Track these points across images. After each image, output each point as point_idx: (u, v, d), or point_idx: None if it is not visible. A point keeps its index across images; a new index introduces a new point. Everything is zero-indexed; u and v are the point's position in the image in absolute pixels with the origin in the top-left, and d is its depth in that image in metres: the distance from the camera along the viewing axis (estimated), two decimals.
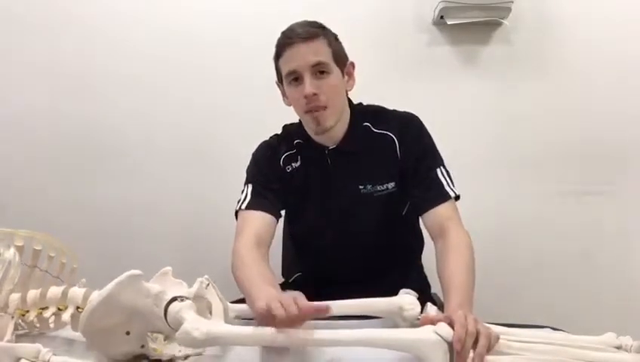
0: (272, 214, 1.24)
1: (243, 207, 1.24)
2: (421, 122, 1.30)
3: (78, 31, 1.98)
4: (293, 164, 1.31)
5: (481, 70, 1.94)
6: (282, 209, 1.32)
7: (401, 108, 1.34)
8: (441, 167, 1.24)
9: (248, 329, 0.80)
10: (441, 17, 1.87)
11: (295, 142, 1.32)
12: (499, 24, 1.91)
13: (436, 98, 1.88)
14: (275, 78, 1.31)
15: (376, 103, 1.35)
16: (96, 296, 0.84)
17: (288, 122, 1.37)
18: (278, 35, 1.24)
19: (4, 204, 1.93)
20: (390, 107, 1.34)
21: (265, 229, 1.21)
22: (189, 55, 1.96)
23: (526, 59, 1.93)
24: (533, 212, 1.94)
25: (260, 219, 1.22)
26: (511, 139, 1.95)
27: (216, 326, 0.79)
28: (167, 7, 1.97)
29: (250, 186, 1.28)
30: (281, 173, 1.30)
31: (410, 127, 1.28)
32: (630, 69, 1.91)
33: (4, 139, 2.00)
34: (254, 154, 1.34)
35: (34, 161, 2.01)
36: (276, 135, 1.36)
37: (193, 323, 0.77)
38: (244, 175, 1.33)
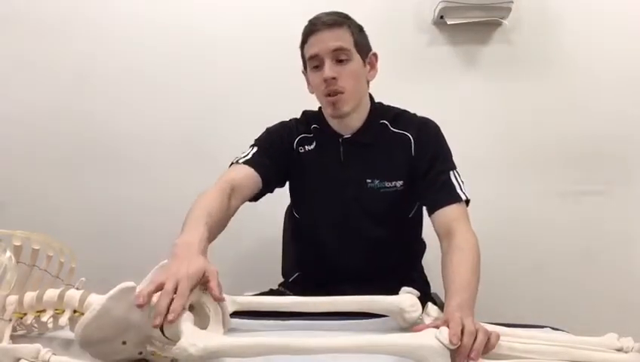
0: (261, 176, 1.23)
1: (240, 161, 1.25)
2: (439, 127, 1.30)
3: (78, 29, 1.98)
4: (306, 147, 1.32)
5: (481, 70, 1.94)
6: (275, 185, 1.32)
7: (400, 108, 1.34)
8: (455, 171, 1.24)
9: (245, 341, 0.80)
10: (441, 17, 1.87)
11: (312, 126, 1.33)
12: (499, 24, 1.91)
13: (436, 98, 1.88)
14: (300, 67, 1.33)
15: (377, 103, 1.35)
16: (92, 301, 0.84)
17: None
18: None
19: (3, 203, 1.93)
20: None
21: (246, 183, 1.21)
22: (188, 53, 1.96)
23: (526, 59, 1.93)
24: (533, 212, 1.94)
25: (245, 173, 1.22)
26: (511, 139, 1.95)
27: (213, 339, 0.78)
28: (167, 3, 1.97)
29: (255, 148, 1.29)
30: (292, 153, 1.32)
31: (428, 129, 1.29)
32: (630, 68, 1.91)
33: (4, 138, 1.99)
34: (269, 128, 1.36)
35: (33, 160, 2.01)
36: (295, 119, 1.38)
37: (190, 339, 0.76)
38: None
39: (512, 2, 1.83)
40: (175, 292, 0.79)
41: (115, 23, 1.98)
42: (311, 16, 1.25)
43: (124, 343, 0.83)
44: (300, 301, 1.04)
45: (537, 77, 1.93)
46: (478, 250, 1.08)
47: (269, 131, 1.35)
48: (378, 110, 1.32)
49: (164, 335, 0.81)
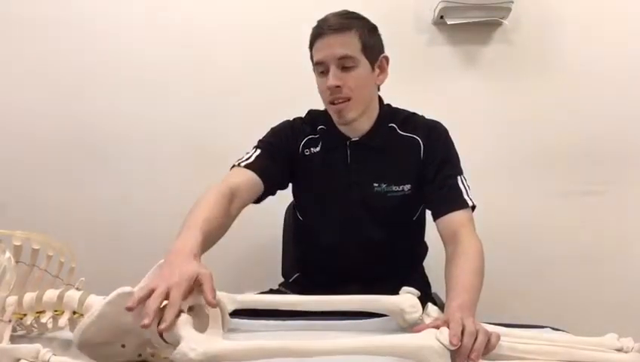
0: (263, 181, 1.20)
1: (242, 164, 1.21)
2: (447, 131, 1.30)
3: (77, 30, 1.98)
4: (312, 149, 1.30)
5: (481, 70, 1.94)
6: (278, 187, 1.29)
7: (409, 111, 1.33)
8: (462, 176, 1.24)
9: (245, 344, 0.80)
10: (441, 17, 1.87)
11: (319, 127, 1.31)
12: (499, 24, 1.91)
13: (436, 98, 1.88)
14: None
15: None
16: (91, 304, 0.84)
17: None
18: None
19: (3, 204, 1.93)
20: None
21: (247, 188, 1.17)
22: (188, 53, 1.96)
23: (526, 59, 1.93)
24: (533, 212, 1.94)
25: (247, 177, 1.19)
26: (511, 139, 1.95)
27: (213, 344, 0.78)
28: (167, 5, 1.97)
29: (258, 151, 1.26)
30: (297, 155, 1.29)
31: (437, 132, 1.28)
32: (630, 68, 1.91)
33: (4, 139, 1.99)
34: (274, 127, 1.33)
35: (33, 160, 2.00)
36: (300, 118, 1.35)
37: (190, 343, 0.76)
38: None
39: (512, 2, 1.83)
40: (166, 298, 0.77)
41: (114, 24, 1.97)
42: (312, 17, 1.23)
43: (123, 346, 0.83)
44: (301, 299, 1.04)
45: (537, 77, 1.93)
46: (482, 256, 1.08)
47: (274, 131, 1.32)
48: (387, 113, 1.30)
49: (163, 339, 0.81)
